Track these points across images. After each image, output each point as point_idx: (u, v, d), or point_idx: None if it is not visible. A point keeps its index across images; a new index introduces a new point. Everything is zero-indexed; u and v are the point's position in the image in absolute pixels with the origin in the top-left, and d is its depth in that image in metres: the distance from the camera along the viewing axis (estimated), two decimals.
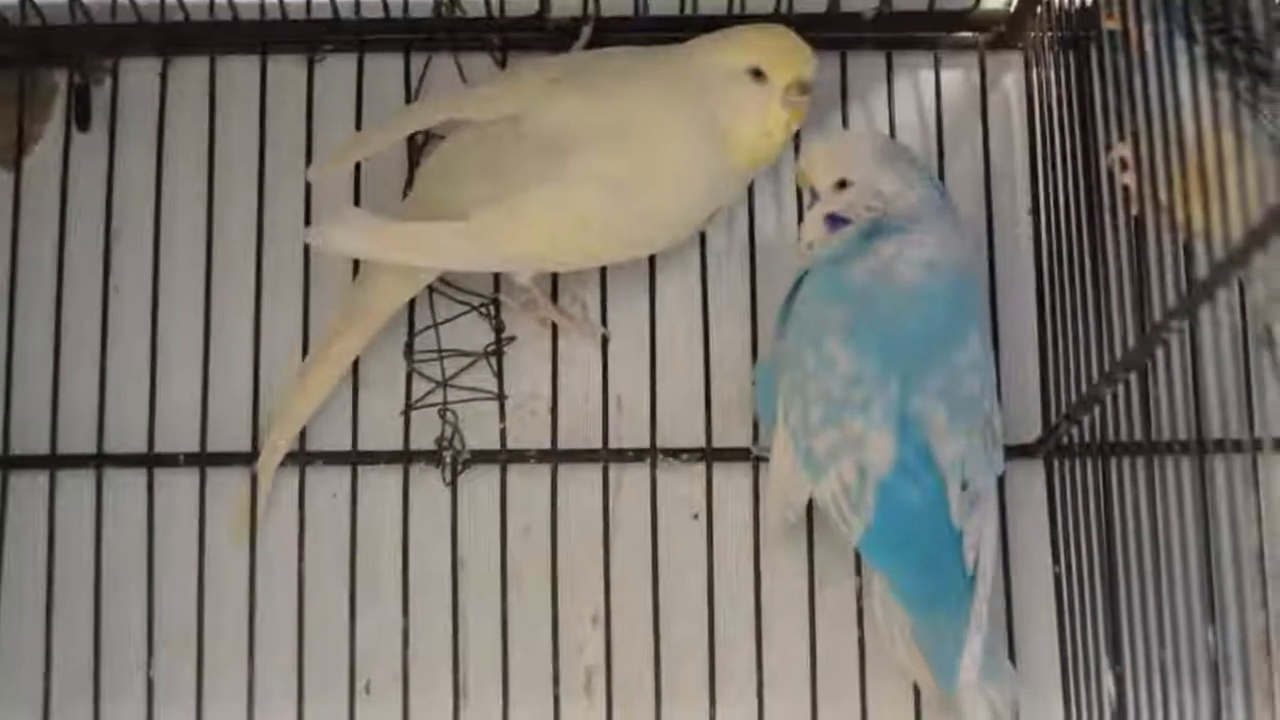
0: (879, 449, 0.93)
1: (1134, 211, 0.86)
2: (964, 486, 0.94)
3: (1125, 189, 0.88)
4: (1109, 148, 0.91)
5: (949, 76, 1.07)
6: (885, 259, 0.95)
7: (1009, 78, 1.08)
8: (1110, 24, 0.87)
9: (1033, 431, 1.02)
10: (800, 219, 1.03)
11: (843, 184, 0.98)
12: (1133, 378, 0.85)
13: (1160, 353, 0.80)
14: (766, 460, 1.00)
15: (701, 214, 1.01)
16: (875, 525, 0.94)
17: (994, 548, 0.96)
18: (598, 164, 0.97)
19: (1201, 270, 0.73)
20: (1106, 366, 0.89)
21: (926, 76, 1.07)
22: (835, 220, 0.98)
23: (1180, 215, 0.79)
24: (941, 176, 1.05)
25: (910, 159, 1.00)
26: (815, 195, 1.00)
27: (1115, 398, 0.88)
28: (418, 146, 1.06)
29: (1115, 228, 0.89)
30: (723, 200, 1.01)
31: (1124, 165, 0.88)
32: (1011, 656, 1.00)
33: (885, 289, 0.95)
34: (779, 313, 0.99)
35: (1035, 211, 1.04)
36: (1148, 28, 0.80)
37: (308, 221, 1.03)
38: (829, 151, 1.00)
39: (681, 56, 0.99)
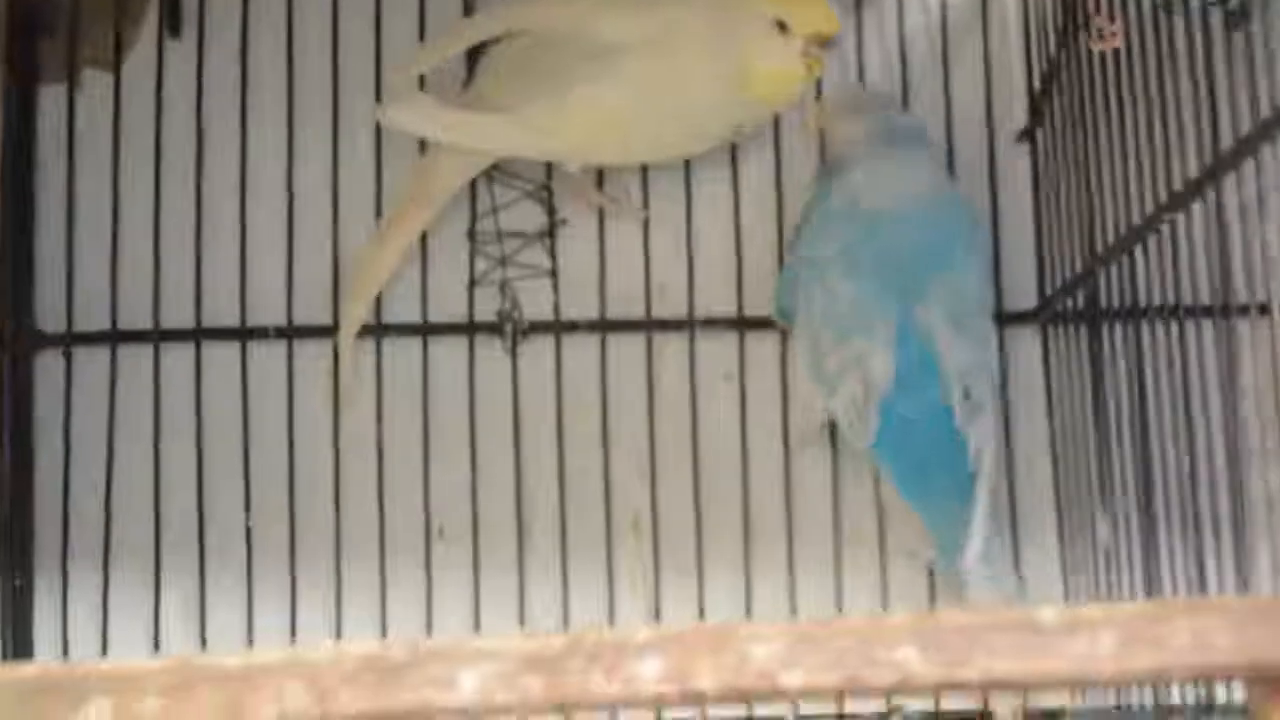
0: (881, 366, 0.99)
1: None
2: (966, 395, 0.99)
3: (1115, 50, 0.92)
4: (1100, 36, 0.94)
5: None
6: (866, 189, 1.04)
7: None
8: None
9: (1030, 301, 1.10)
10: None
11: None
12: (1124, 259, 0.91)
13: (1153, 239, 0.87)
14: (790, 329, 1.07)
15: (718, 129, 1.07)
16: (880, 438, 1.00)
17: (994, 453, 1.00)
18: (633, 71, 1.04)
19: (1192, 172, 0.79)
20: (1099, 248, 0.95)
21: None
22: None
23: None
24: (947, 73, 1.12)
25: (883, 99, 1.09)
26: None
27: (1108, 274, 0.94)
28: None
29: (1109, 132, 0.94)
30: (738, 122, 1.07)
31: (1106, 36, 0.93)
32: (1012, 508, 1.07)
33: (875, 217, 1.03)
34: (792, 241, 1.08)
35: (1032, 110, 1.11)
36: None
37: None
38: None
39: None
